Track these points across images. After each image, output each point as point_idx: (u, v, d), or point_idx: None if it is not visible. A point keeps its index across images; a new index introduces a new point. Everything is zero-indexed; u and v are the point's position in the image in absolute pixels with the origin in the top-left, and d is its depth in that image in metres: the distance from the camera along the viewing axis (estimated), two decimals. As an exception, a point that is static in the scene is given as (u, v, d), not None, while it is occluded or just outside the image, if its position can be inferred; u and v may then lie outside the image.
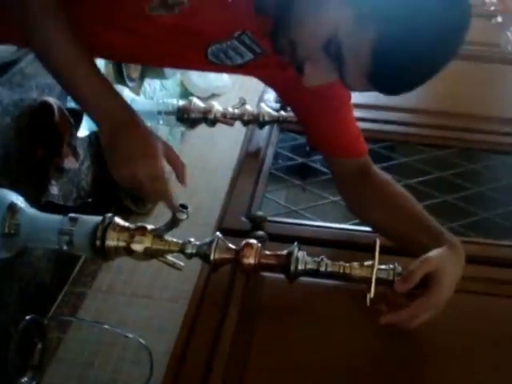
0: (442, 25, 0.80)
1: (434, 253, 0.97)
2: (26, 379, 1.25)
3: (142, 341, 1.29)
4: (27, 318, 1.22)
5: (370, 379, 0.97)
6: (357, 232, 1.23)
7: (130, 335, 1.29)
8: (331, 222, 1.30)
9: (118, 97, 0.94)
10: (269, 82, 1.18)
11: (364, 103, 1.69)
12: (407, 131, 1.65)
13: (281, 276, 1.04)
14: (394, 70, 0.80)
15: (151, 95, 1.91)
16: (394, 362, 0.99)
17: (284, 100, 1.26)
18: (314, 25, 0.82)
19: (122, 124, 0.91)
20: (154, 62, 1.25)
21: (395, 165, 1.52)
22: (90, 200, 1.55)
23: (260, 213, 1.26)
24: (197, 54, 1.00)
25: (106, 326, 1.33)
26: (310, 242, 1.10)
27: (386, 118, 1.68)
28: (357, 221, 1.25)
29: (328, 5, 0.81)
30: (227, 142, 1.99)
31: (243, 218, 1.27)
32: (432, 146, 1.60)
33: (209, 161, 2.04)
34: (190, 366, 1.02)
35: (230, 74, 2.24)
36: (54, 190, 1.38)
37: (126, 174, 0.91)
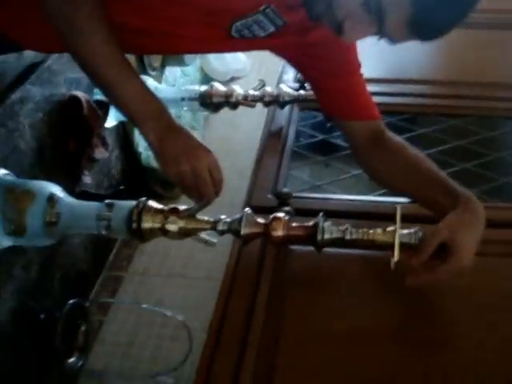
0: None
1: (447, 219, 1.00)
2: (72, 360, 1.31)
3: (180, 318, 1.35)
4: (70, 302, 1.29)
5: (396, 344, 1.01)
6: (379, 203, 1.27)
7: (168, 313, 1.35)
8: (354, 194, 1.34)
9: (159, 102, 0.97)
10: (284, 52, 1.20)
11: (381, 77, 1.72)
12: (425, 103, 1.67)
13: (308, 248, 1.09)
14: (433, 13, 0.83)
15: (173, 82, 1.95)
16: (420, 326, 1.03)
17: (298, 68, 1.27)
18: None
19: (168, 127, 0.95)
20: (179, 48, 1.28)
21: (415, 136, 1.55)
22: (121, 187, 1.61)
23: (285, 189, 1.30)
24: (220, 33, 1.02)
25: (144, 306, 1.39)
26: (334, 214, 1.13)
27: (403, 90, 1.71)
28: (379, 192, 1.29)
29: None
30: (249, 124, 2.03)
31: (270, 196, 1.31)
32: (449, 115, 1.62)
33: (232, 143, 2.07)
34: (227, 340, 1.07)
35: (248, 52, 2.28)
36: (87, 179, 1.44)
37: (187, 169, 0.95)
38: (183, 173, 0.95)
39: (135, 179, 1.74)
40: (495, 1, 1.91)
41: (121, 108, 0.96)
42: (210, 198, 0.99)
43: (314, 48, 1.11)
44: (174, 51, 1.52)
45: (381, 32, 0.87)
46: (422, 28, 0.85)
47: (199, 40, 1.05)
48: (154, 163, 1.76)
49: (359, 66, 1.17)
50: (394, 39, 0.89)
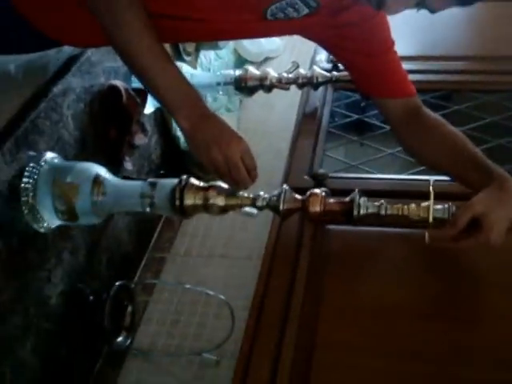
0: None
1: (480, 196, 1.02)
2: (120, 339, 1.36)
3: (222, 297, 1.39)
4: (117, 284, 1.34)
5: (432, 319, 1.04)
6: (414, 181, 1.29)
7: (211, 292, 1.40)
8: (389, 173, 1.36)
9: (193, 90, 1.00)
10: (316, 35, 1.21)
11: (414, 55, 1.72)
12: (458, 79, 1.67)
13: (344, 227, 1.12)
14: None
15: (208, 66, 1.98)
16: (454, 301, 1.05)
17: (330, 50, 1.29)
18: None
19: (201, 115, 0.99)
20: (216, 35, 1.29)
21: (449, 113, 1.56)
22: (162, 172, 1.65)
23: (321, 170, 1.33)
24: (256, 17, 1.05)
25: (187, 286, 1.43)
26: (370, 193, 1.15)
27: (436, 68, 1.71)
28: (413, 171, 1.30)
29: None
30: (284, 106, 2.05)
31: (306, 177, 1.34)
32: (483, 91, 1.62)
33: (268, 125, 2.09)
34: (268, 318, 1.11)
35: (281, 37, 2.29)
36: (129, 165, 1.48)
37: (218, 156, 0.98)
38: (215, 160, 0.98)
39: (174, 163, 1.78)
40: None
41: (156, 96, 0.99)
42: (245, 184, 1.02)
43: (347, 28, 1.13)
44: (210, 38, 1.54)
45: (422, 1, 0.89)
46: None
47: (235, 25, 1.07)
48: (191, 147, 1.80)
49: (393, 43, 1.18)
50: (433, 8, 0.91)
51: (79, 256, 1.30)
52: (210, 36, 1.23)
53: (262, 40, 2.34)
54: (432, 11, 0.91)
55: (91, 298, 1.30)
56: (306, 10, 1.04)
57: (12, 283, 1.08)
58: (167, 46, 1.68)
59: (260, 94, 1.74)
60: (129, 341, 1.37)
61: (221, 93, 1.64)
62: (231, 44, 2.18)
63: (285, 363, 1.01)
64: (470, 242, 1.00)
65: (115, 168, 1.44)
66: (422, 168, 1.33)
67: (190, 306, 1.48)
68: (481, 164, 1.09)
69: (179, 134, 1.78)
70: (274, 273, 1.18)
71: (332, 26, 1.13)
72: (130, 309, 1.40)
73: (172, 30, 1.06)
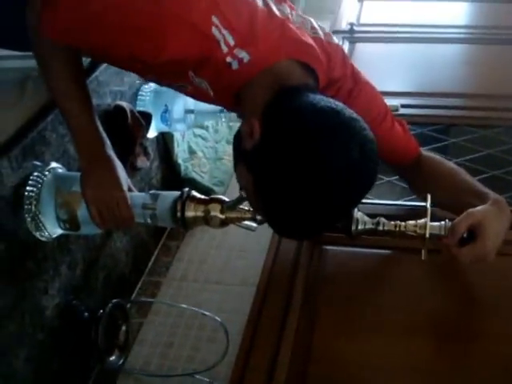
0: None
1: (478, 208, 1.05)
2: (113, 358, 1.35)
3: (217, 318, 1.39)
4: (112, 302, 1.34)
5: (430, 337, 1.05)
6: (410, 206, 1.32)
7: (207, 313, 1.40)
8: (387, 199, 1.38)
9: (98, 135, 1.11)
10: None
11: (414, 91, 1.77)
12: (456, 114, 1.72)
13: (341, 248, 1.14)
14: None
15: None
16: (452, 318, 1.07)
17: None
18: None
19: (97, 159, 1.08)
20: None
21: (446, 145, 1.60)
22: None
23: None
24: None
25: (183, 306, 1.44)
26: (368, 216, 1.18)
27: (435, 103, 1.76)
28: (410, 198, 1.33)
29: None
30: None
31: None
32: (479, 126, 1.67)
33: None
34: (262, 341, 1.11)
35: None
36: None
37: (97, 196, 1.07)
38: (93, 201, 1.07)
39: (174, 189, 1.80)
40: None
41: (69, 130, 1.11)
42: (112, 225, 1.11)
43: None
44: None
45: None
46: None
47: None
48: (192, 174, 1.83)
49: (386, 111, 1.19)
50: None
51: (77, 270, 1.31)
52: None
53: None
54: None
55: (86, 314, 1.30)
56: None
57: (10, 290, 1.08)
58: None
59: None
60: (122, 360, 1.36)
61: (224, 120, 1.67)
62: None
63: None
64: (467, 249, 1.02)
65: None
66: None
67: (185, 328, 1.48)
68: (478, 191, 1.13)
69: (180, 161, 1.81)
70: (270, 296, 1.19)
71: None
72: (124, 328, 1.39)
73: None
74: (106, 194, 1.07)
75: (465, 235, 1.03)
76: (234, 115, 1.66)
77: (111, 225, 1.11)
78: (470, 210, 1.04)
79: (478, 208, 1.04)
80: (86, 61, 1.35)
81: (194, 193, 1.09)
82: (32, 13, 1.01)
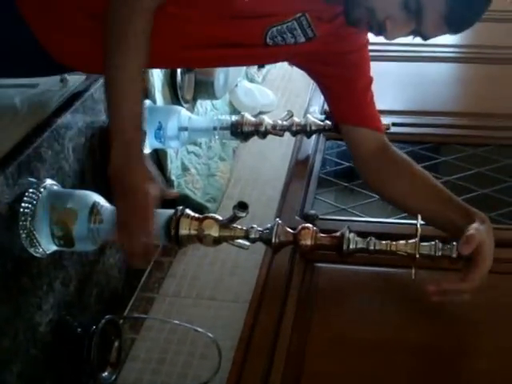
0: None
1: (474, 228, 1.06)
2: (106, 374, 1.36)
3: (210, 335, 1.40)
4: (105, 317, 1.35)
5: (416, 354, 1.07)
6: (400, 224, 1.33)
7: (200, 329, 1.40)
8: (377, 217, 1.40)
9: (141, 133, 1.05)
10: (301, 61, 1.27)
11: (405, 109, 1.80)
12: (446, 133, 1.75)
13: (333, 266, 1.15)
14: (465, 4, 0.94)
15: (203, 115, 2.04)
16: (443, 335, 1.08)
17: (313, 75, 1.33)
18: None
19: (129, 153, 1.03)
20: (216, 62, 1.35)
21: (437, 164, 1.62)
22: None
23: (312, 211, 1.37)
24: (256, 39, 1.10)
25: (176, 322, 1.44)
26: (358, 235, 1.19)
27: (426, 122, 1.78)
28: (400, 216, 1.34)
29: None
30: (277, 156, 2.09)
31: (297, 217, 1.38)
32: (469, 144, 1.70)
33: (260, 174, 2.12)
34: (254, 357, 1.13)
35: (275, 89, 2.36)
36: (124, 202, 1.51)
37: (123, 205, 1.04)
38: (119, 207, 1.05)
39: (167, 206, 1.80)
40: (507, 38, 2.00)
41: (110, 117, 1.05)
42: (133, 249, 1.04)
43: (332, 56, 1.19)
44: (217, 63, 1.56)
45: (419, 28, 0.98)
46: (456, 20, 0.96)
47: (235, 47, 1.12)
48: (185, 191, 1.84)
49: (372, 80, 1.25)
50: (427, 35, 1.00)
51: (70, 286, 1.31)
52: (218, 62, 1.28)
53: (257, 94, 2.42)
54: (425, 38, 0.99)
55: (79, 329, 1.31)
56: (302, 39, 1.10)
57: (4, 305, 1.09)
58: (166, 93, 1.76)
59: (254, 145, 1.79)
60: (114, 376, 1.36)
61: (217, 137, 1.69)
62: (227, 96, 2.25)
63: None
64: (476, 274, 1.03)
65: (111, 203, 1.47)
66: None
67: (177, 344, 1.48)
68: (457, 204, 1.15)
69: (173, 177, 1.82)
70: (263, 307, 1.20)
71: (319, 54, 1.19)
72: (116, 344, 1.39)
73: (188, 56, 1.14)
74: (135, 219, 1.02)
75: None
76: (227, 133, 1.68)
77: (128, 246, 1.06)
78: (470, 233, 1.05)
79: (476, 229, 1.06)
80: (80, 79, 1.38)
81: (188, 211, 1.10)
82: None
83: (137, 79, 1.02)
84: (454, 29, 0.98)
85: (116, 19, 0.99)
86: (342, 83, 1.23)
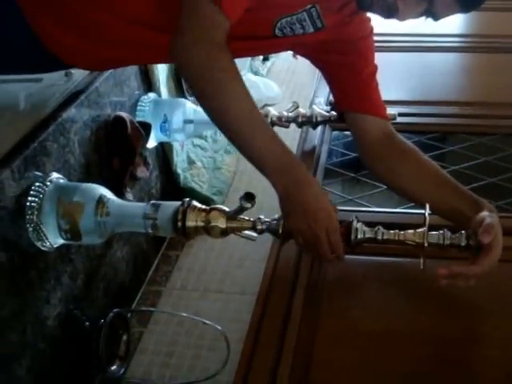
0: None
1: (488, 216, 1.06)
2: (114, 367, 1.36)
3: (218, 327, 1.40)
4: (113, 311, 1.35)
5: (426, 342, 1.06)
6: (408, 214, 1.33)
7: (208, 322, 1.40)
8: (384, 207, 1.39)
9: (291, 154, 1.02)
10: (305, 50, 1.27)
11: (411, 99, 1.79)
12: (452, 122, 1.75)
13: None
14: None
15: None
16: (451, 325, 1.08)
17: (316, 63, 1.32)
18: None
19: (296, 179, 1.00)
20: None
21: (443, 153, 1.62)
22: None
23: (319, 202, 1.36)
24: (266, 31, 1.09)
25: (184, 314, 1.44)
26: (366, 225, 1.19)
27: (432, 111, 1.78)
28: (407, 205, 1.34)
29: None
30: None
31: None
32: (475, 134, 1.69)
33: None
34: (263, 348, 1.12)
35: (280, 81, 2.36)
36: (130, 196, 1.50)
37: (304, 227, 1.01)
38: (300, 229, 1.01)
39: (174, 199, 1.80)
40: (511, 27, 2.00)
41: (253, 159, 1.01)
42: (327, 258, 1.04)
43: (340, 44, 1.19)
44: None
45: (430, 7, 0.97)
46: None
47: (244, 39, 1.10)
48: (191, 184, 1.84)
49: (376, 69, 1.25)
50: (439, 15, 1.00)
51: (78, 280, 1.31)
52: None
53: (262, 87, 2.41)
54: (436, 18, 0.98)
55: (87, 323, 1.31)
56: (311, 29, 1.09)
57: (12, 299, 1.09)
58: (171, 85, 1.76)
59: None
60: (123, 369, 1.36)
61: (222, 129, 1.68)
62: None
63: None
64: (489, 260, 1.03)
65: (117, 197, 1.47)
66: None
67: (185, 337, 1.48)
68: (464, 193, 1.14)
69: (179, 171, 1.82)
70: (271, 299, 1.20)
71: (325, 42, 1.18)
72: (125, 337, 1.39)
73: None
74: (314, 222, 1.00)
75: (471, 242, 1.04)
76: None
77: (319, 254, 1.06)
78: (489, 221, 1.04)
79: (489, 216, 1.05)
80: (84, 72, 1.37)
81: (195, 202, 1.10)
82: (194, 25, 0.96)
83: (255, 112, 1.00)
84: (466, 6, 0.97)
85: (198, 72, 0.96)
86: (348, 71, 1.23)
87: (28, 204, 1.10)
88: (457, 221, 1.12)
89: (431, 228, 1.06)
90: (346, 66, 1.22)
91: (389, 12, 0.99)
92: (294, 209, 1.00)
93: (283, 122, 1.67)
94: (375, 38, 1.25)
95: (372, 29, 1.24)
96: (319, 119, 1.68)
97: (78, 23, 1.11)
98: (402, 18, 1.01)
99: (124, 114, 1.46)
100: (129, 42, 1.11)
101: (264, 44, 1.15)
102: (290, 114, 1.68)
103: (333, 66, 1.25)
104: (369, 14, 1.18)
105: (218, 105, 0.97)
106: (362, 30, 1.16)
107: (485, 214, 1.06)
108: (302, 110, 1.69)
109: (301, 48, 1.25)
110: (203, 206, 1.10)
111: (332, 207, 1.03)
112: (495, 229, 1.03)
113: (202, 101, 1.00)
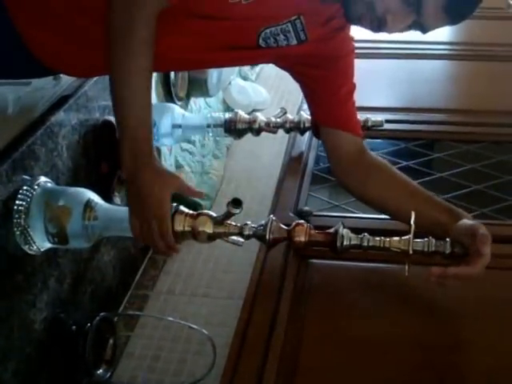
0: None
1: (474, 223, 1.08)
2: (101, 371, 1.36)
3: (204, 331, 1.40)
4: (100, 315, 1.35)
5: (410, 349, 1.07)
6: (393, 220, 1.33)
7: (194, 326, 1.41)
8: (371, 214, 1.40)
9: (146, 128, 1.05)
10: (286, 63, 1.27)
11: (399, 106, 1.80)
12: (439, 129, 1.76)
13: (327, 262, 1.15)
14: None
15: (197, 112, 2.04)
16: (436, 330, 1.09)
17: (296, 76, 1.32)
18: None
19: (140, 162, 1.03)
20: (205, 64, 1.35)
21: (430, 160, 1.63)
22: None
23: (306, 207, 1.37)
24: (250, 41, 1.10)
25: (170, 319, 1.44)
26: (352, 231, 1.20)
27: (419, 118, 1.79)
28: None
29: None
30: (270, 153, 2.09)
31: (291, 214, 1.38)
32: (462, 141, 1.71)
33: (254, 171, 2.12)
34: (249, 354, 1.13)
35: (269, 87, 2.37)
36: (117, 200, 1.50)
37: (137, 213, 1.04)
38: (137, 216, 1.04)
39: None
40: (499, 36, 2.01)
41: (118, 118, 1.06)
42: (157, 249, 1.06)
43: (321, 59, 1.20)
44: (210, 65, 1.58)
45: (418, 20, 0.98)
46: (455, 9, 0.97)
47: (226, 50, 1.12)
48: (179, 188, 1.84)
49: (355, 87, 1.26)
50: (427, 27, 1.00)
51: (64, 284, 1.31)
52: (211, 64, 1.28)
53: (250, 92, 2.42)
54: (425, 31, 1.00)
55: (74, 327, 1.30)
56: (294, 41, 1.10)
57: (-1, 303, 1.09)
58: (160, 91, 1.76)
59: (247, 143, 1.79)
60: (109, 374, 1.36)
61: (211, 134, 1.69)
62: (220, 94, 2.25)
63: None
64: (481, 264, 1.04)
65: (105, 201, 1.47)
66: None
67: (172, 341, 1.48)
68: (440, 204, 1.17)
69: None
70: (258, 304, 1.20)
71: (306, 56, 1.19)
72: (111, 341, 1.39)
73: (179, 60, 1.14)
74: (149, 211, 1.02)
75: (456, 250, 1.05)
76: (221, 130, 1.68)
77: (149, 243, 1.07)
78: (483, 232, 1.06)
79: (479, 226, 1.07)
80: (73, 77, 1.37)
81: (182, 208, 1.10)
82: None
83: (144, 82, 1.01)
84: (454, 18, 0.99)
85: (118, 28, 0.98)
86: (326, 86, 1.24)
87: (15, 207, 1.10)
88: (435, 231, 1.13)
89: (416, 235, 1.07)
90: (325, 81, 1.24)
91: (378, 24, 1.00)
92: (131, 192, 1.03)
93: (271, 127, 1.68)
94: (364, 45, 1.27)
95: (353, 47, 1.26)
96: (307, 125, 1.68)
97: (64, 29, 1.11)
98: (390, 31, 1.02)
99: (112, 119, 1.46)
100: None
101: (247, 55, 1.16)
102: (278, 120, 1.69)
103: (312, 80, 1.26)
104: (354, 30, 1.19)
105: (117, 60, 1.00)
106: (345, 47, 1.17)
107: (471, 222, 1.07)
108: (290, 116, 1.70)
109: (282, 60, 1.25)
110: (190, 211, 1.10)
111: (167, 195, 1.02)
112: (490, 238, 1.06)
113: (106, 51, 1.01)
